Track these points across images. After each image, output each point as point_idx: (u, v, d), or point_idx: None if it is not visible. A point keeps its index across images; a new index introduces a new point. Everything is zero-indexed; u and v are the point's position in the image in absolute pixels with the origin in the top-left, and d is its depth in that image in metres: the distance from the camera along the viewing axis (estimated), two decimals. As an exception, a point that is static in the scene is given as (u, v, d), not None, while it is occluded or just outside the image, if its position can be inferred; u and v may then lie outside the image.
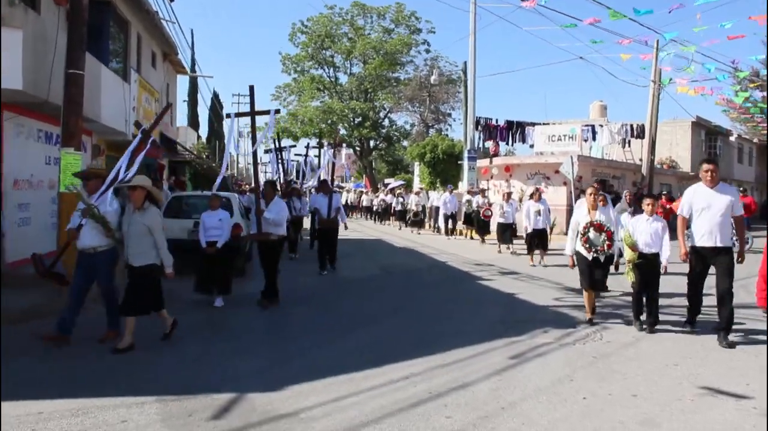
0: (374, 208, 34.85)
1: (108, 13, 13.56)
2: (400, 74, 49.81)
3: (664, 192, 24.73)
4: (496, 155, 29.26)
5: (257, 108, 10.27)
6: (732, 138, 43.49)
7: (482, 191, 21.86)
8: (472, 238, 22.09)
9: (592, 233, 8.07)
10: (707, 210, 7.45)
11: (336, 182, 34.91)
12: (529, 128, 29.14)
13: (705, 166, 7.62)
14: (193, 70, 32.28)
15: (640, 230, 7.91)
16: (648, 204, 8.01)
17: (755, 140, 47.44)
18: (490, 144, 30.18)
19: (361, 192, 42.23)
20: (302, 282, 11.88)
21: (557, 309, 9.42)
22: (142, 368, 6.14)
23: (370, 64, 47.16)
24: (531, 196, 15.77)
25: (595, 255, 8.06)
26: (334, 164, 17.77)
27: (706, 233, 7.45)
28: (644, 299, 8.05)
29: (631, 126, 28.63)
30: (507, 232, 17.44)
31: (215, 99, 53.82)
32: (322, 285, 11.70)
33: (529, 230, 15.05)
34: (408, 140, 49.42)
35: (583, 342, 7.29)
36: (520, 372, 6.12)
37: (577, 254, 8.32)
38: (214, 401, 5.19)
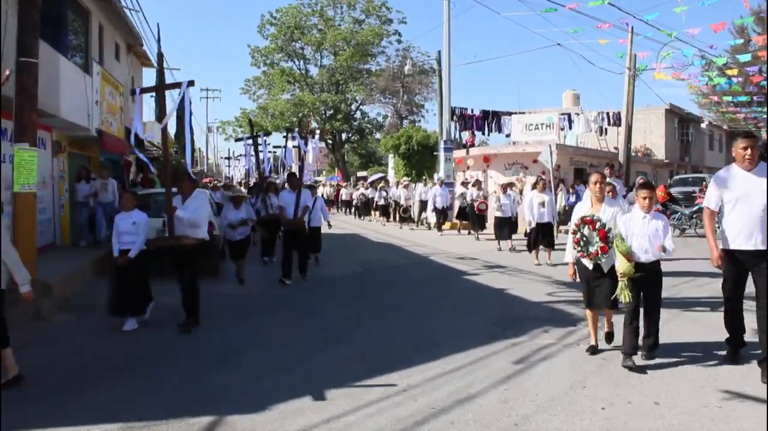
0: (354, 202, 32.67)
1: (65, 1, 12.70)
2: (372, 66, 49.21)
3: (671, 182, 24.60)
4: (472, 145, 28.81)
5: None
6: (703, 125, 43.72)
7: (477, 183, 20.30)
8: (468, 233, 20.34)
9: (586, 231, 6.21)
10: (744, 201, 5.62)
11: (308, 176, 31.88)
12: (505, 117, 28.70)
13: (741, 141, 5.69)
14: (160, 63, 31.33)
15: (636, 231, 5.88)
16: (644, 197, 5.93)
17: (725, 127, 47.76)
18: (465, 135, 29.74)
19: (339, 185, 40.50)
20: (278, 285, 11.19)
21: (553, 306, 8.93)
22: (105, 393, 5.48)
23: (341, 56, 46.42)
24: (534, 186, 14.37)
25: (596, 262, 6.21)
26: (304, 156, 15.60)
27: (744, 231, 5.63)
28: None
29: (608, 114, 28.37)
30: (505, 227, 16.35)
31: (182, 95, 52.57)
32: (300, 288, 11.02)
33: (533, 225, 13.49)
34: (381, 132, 48.83)
35: (587, 343, 6.78)
36: (528, 379, 5.59)
37: (578, 262, 6.52)
38: (190, 427, 4.58)
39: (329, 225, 14.03)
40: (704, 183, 22.11)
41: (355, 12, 48.10)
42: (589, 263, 6.28)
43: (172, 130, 55.24)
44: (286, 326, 8.07)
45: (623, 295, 5.83)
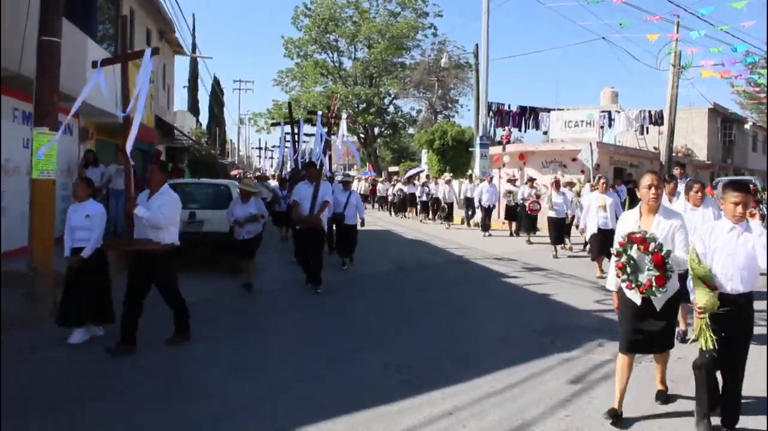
0: (390, 198, 30.46)
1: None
2: (406, 59, 48.50)
3: (712, 183, 23.58)
4: (508, 142, 28.01)
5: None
6: (747, 126, 42.26)
7: (530, 181, 18.33)
8: (517, 234, 18.84)
9: (635, 253, 4.43)
10: None
11: (338, 170, 29.70)
12: (543, 113, 27.88)
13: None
14: (193, 52, 31.01)
15: (721, 247, 4.27)
16: (735, 203, 4.21)
17: (768, 128, 46.18)
18: (500, 131, 28.98)
19: (374, 180, 37.30)
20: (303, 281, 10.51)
21: (604, 315, 8.21)
22: (101, 413, 4.96)
23: (375, 48, 45.81)
24: (595, 184, 13.19)
25: (645, 295, 4.43)
26: (328, 143, 13.82)
27: None
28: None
29: (649, 112, 27.36)
30: (560, 229, 14.69)
31: (216, 85, 52.51)
32: (329, 285, 10.49)
33: (593, 231, 11.42)
34: (414, 127, 48.13)
35: (649, 359, 6.09)
36: (589, 403, 4.94)
37: (621, 292, 4.71)
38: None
39: (362, 223, 12.63)
40: (752, 186, 20.99)
41: (390, 4, 47.50)
42: (636, 297, 4.49)
43: (204, 119, 55.40)
44: (313, 328, 7.51)
45: (703, 339, 4.18)
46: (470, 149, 28.28)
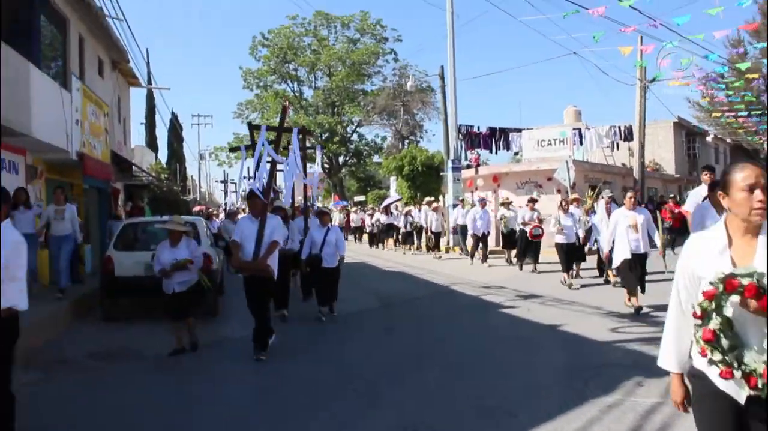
0: (368, 229, 28.68)
1: (36, 5, 11.17)
2: (368, 86, 47.95)
3: (671, 196, 23.19)
4: (477, 165, 27.36)
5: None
6: (709, 139, 42.59)
7: (532, 201, 16.28)
8: (511, 262, 17.17)
9: (732, 312, 2.37)
10: None
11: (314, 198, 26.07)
12: (513, 134, 27.35)
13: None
14: (149, 83, 29.79)
15: None
16: None
17: (728, 140, 46.66)
18: (469, 154, 28.31)
19: (347, 211, 35.07)
20: (285, 328, 9.48)
21: (629, 346, 7.33)
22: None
23: (336, 76, 45.13)
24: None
25: (758, 392, 2.33)
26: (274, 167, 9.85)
27: None
28: None
29: (619, 128, 27.02)
30: (571, 255, 12.97)
31: (174, 120, 51.22)
32: (312, 328, 9.42)
33: (625, 257, 9.31)
34: (380, 154, 47.37)
35: (705, 401, 5.22)
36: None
37: (697, 377, 2.64)
38: None
39: (341, 260, 10.04)
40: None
41: (349, 31, 47.01)
42: (737, 391, 2.43)
43: (163, 156, 53.98)
44: (301, 378, 6.46)
45: None
46: (441, 174, 27.55)
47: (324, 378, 6.43)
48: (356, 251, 24.63)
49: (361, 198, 46.11)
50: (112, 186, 19.65)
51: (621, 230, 9.43)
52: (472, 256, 17.62)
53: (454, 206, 21.81)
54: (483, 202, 18.11)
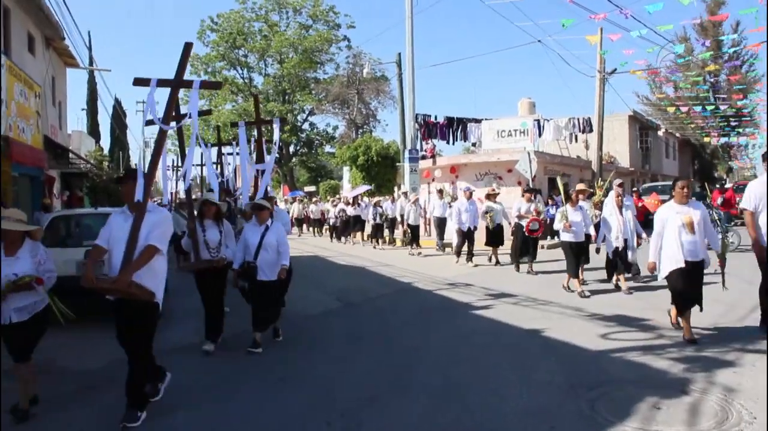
0: (331, 221, 26.00)
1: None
2: (320, 74, 46.68)
3: (634, 189, 22.82)
4: (432, 156, 26.58)
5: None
6: (660, 133, 42.92)
7: (530, 192, 14.53)
8: (498, 262, 15.26)
9: None
10: None
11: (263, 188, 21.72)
12: (471, 124, 26.64)
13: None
14: (90, 65, 27.96)
15: None
16: None
17: (677, 135, 47.19)
18: (425, 145, 27.50)
19: (301, 200, 32.93)
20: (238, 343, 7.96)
21: (627, 356, 6.55)
22: None
23: (287, 63, 43.71)
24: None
25: None
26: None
27: None
28: None
29: (578, 120, 26.59)
30: (580, 256, 10.89)
31: (117, 106, 49.04)
32: (265, 342, 8.42)
33: (678, 266, 7.00)
34: (332, 144, 46.20)
35: (739, 429, 4.47)
36: None
37: None
38: None
39: (284, 275, 7.35)
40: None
41: (301, 17, 45.65)
42: None
43: (105, 143, 51.74)
44: (262, 411, 5.45)
45: None
46: (396, 164, 26.71)
47: (290, 409, 5.44)
48: (316, 245, 23.39)
49: (311, 188, 44.94)
50: (46, 174, 18.14)
51: (671, 231, 7.13)
52: (459, 254, 15.61)
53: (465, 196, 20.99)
54: (469, 192, 15.92)
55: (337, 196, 30.33)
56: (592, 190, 12.98)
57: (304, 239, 27.36)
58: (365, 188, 25.94)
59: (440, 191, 19.43)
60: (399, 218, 21.13)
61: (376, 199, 23.10)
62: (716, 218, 17.27)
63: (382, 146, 29.93)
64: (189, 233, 7.57)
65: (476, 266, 14.87)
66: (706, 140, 39.96)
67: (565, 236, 10.89)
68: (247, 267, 7.24)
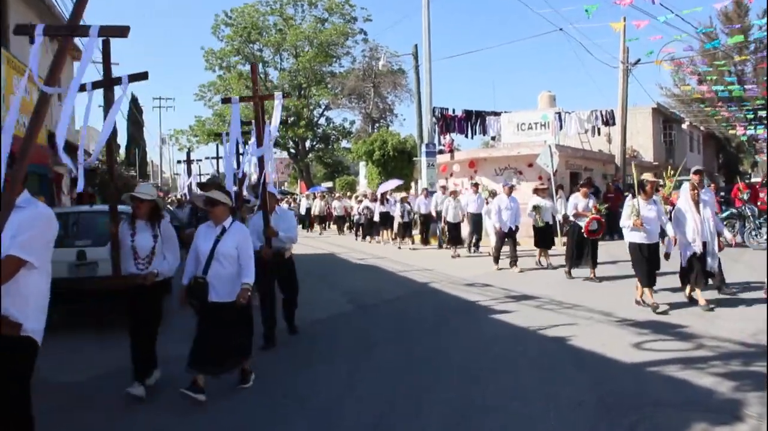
0: (355, 218, 24.44)
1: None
2: (336, 68, 46.07)
3: (661, 184, 21.98)
4: (451, 150, 25.88)
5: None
6: (684, 126, 41.86)
7: (586, 184, 12.12)
8: (549, 265, 13.70)
9: None
10: None
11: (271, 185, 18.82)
12: (490, 117, 25.90)
13: None
14: (107, 66, 27.23)
15: None
16: None
17: (702, 128, 46.06)
18: (443, 139, 26.80)
19: (323, 196, 30.96)
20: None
21: (666, 371, 5.87)
22: None
23: (302, 57, 43.14)
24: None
25: None
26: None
27: None
28: None
29: (601, 113, 25.77)
30: (654, 262, 8.90)
31: (133, 104, 48.88)
32: (267, 351, 7.84)
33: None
34: (348, 139, 45.58)
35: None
36: None
37: None
38: None
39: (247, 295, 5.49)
40: (713, 185, 19.21)
41: (317, 10, 45.02)
42: None
43: (122, 140, 51.61)
44: (263, 426, 4.87)
45: None
46: (414, 159, 26.04)
47: (281, 426, 4.85)
48: (336, 243, 22.39)
49: (329, 184, 44.40)
50: (53, 171, 17.68)
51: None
52: (497, 258, 13.71)
53: (432, 192, 20.21)
54: (509, 187, 13.90)
55: (363, 193, 28.18)
56: (660, 181, 11.49)
57: (326, 237, 26.26)
58: (396, 182, 23.81)
59: (476, 185, 17.66)
60: (434, 214, 19.33)
61: (402, 195, 21.03)
62: (748, 214, 16.47)
63: (398, 141, 29.28)
64: (111, 241, 5.76)
65: (522, 271, 13.08)
66: (731, 132, 38.92)
67: (635, 237, 8.84)
68: (194, 284, 5.45)
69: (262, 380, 6.02)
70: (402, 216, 19.71)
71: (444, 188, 19.66)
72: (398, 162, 28.56)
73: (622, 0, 14.70)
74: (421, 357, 6.81)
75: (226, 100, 8.46)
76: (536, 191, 14.06)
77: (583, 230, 11.35)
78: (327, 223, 29.28)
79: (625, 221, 8.94)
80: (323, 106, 46.60)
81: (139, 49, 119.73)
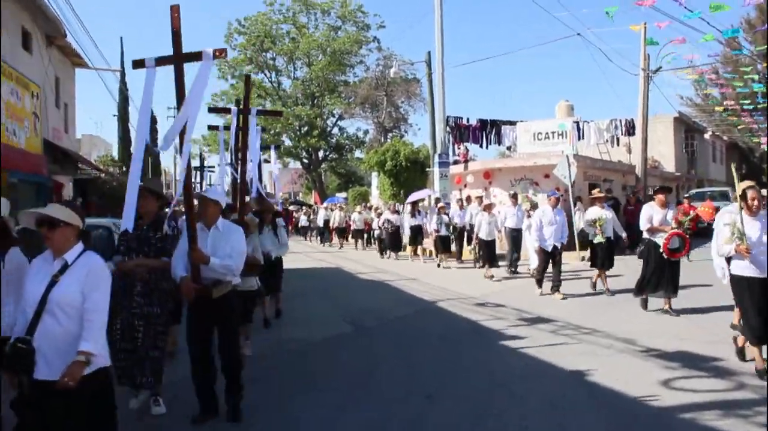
0: (376, 232, 22.68)
1: None
2: (350, 77, 45.49)
3: (686, 196, 21.09)
4: (466, 161, 25.03)
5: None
6: (707, 136, 40.71)
7: (663, 192, 9.50)
8: (607, 290, 11.45)
9: None
10: None
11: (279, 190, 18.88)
12: (505, 127, 25.05)
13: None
14: (122, 74, 26.82)
15: None
16: None
17: (724, 137, 44.87)
18: (457, 149, 25.97)
19: (342, 207, 29.45)
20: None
21: (701, 419, 4.97)
22: None
23: (316, 65, 42.60)
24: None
25: None
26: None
27: None
28: None
29: (620, 122, 24.82)
30: (765, 301, 6.00)
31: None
32: (251, 366, 7.06)
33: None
34: (362, 149, 44.90)
35: None
36: None
37: None
38: None
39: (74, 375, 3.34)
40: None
41: (330, 18, 44.51)
42: None
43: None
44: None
45: None
46: (426, 170, 25.24)
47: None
48: (351, 258, 20.79)
49: (343, 195, 43.69)
50: (53, 180, 17.15)
51: None
52: (540, 281, 11.71)
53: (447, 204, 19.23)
54: (555, 198, 11.78)
55: (384, 205, 26.47)
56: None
57: (344, 252, 24.52)
58: (427, 191, 21.78)
59: (514, 196, 15.74)
60: (468, 228, 17.53)
61: (440, 204, 18.38)
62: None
63: (411, 151, 28.45)
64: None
65: (565, 298, 11.10)
66: (755, 141, 37.77)
67: (741, 269, 6.17)
68: (13, 351, 3.42)
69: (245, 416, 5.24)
70: (438, 228, 17.30)
71: (480, 199, 17.89)
72: (411, 173, 27.73)
73: (643, 1, 13.83)
74: (419, 393, 5.96)
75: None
76: (595, 200, 11.91)
77: (661, 249, 9.07)
78: (346, 236, 27.95)
79: (725, 248, 6.23)
80: (336, 116, 46.03)
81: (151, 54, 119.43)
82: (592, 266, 11.93)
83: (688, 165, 37.53)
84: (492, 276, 14.28)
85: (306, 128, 43.37)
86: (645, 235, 9.43)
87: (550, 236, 11.34)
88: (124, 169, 26.18)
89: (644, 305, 9.72)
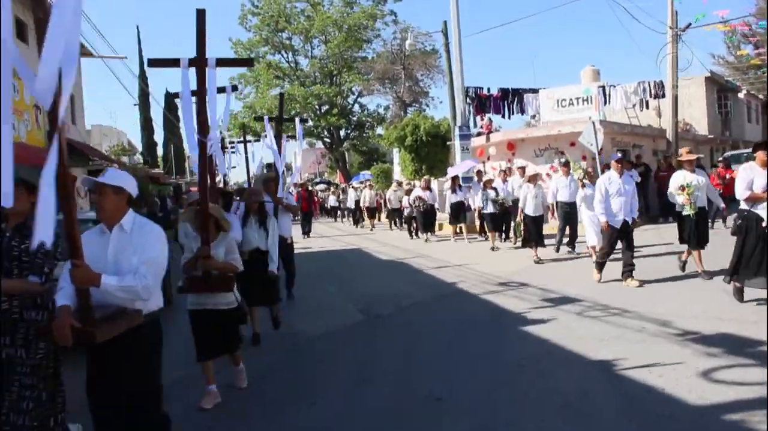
0: (406, 211, 20.59)
1: None
2: (367, 52, 44.58)
3: (720, 159, 20.03)
4: (489, 132, 24.12)
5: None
6: (741, 95, 39.05)
7: (762, 147, 7.53)
8: (704, 273, 9.43)
9: None
10: None
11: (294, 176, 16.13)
12: (528, 95, 24.09)
13: None
14: (141, 63, 26.37)
15: None
16: None
17: (760, 96, 43.08)
18: (479, 121, 25.05)
19: (371, 185, 27.80)
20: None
21: (747, 419, 4.28)
22: None
23: (332, 42, 41.77)
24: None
25: None
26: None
27: None
28: None
29: (649, 84, 23.69)
30: None
31: (168, 97, 48.32)
32: (261, 356, 6.50)
33: None
34: (383, 125, 44.10)
35: None
36: None
37: None
38: None
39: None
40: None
41: (345, -7, 43.58)
42: None
43: (159, 137, 51.26)
44: None
45: None
46: (448, 143, 24.44)
47: None
48: (386, 242, 19.07)
49: (368, 173, 43.00)
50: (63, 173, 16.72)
51: None
52: (602, 265, 9.82)
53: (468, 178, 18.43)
54: (624, 162, 10.09)
55: (414, 181, 24.66)
56: None
57: (374, 234, 23.11)
58: (471, 163, 19.56)
59: (566, 165, 13.53)
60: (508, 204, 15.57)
61: (486, 178, 16.34)
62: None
63: (431, 125, 27.57)
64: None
65: (641, 285, 9.26)
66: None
67: None
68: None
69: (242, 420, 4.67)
70: (484, 205, 15.35)
71: (522, 169, 16.50)
72: (432, 147, 26.90)
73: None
74: (428, 395, 5.32)
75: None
76: (683, 163, 9.58)
77: (765, 223, 7.13)
78: (378, 215, 26.74)
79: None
80: (356, 93, 45.27)
81: (167, 41, 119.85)
82: (681, 242, 9.85)
83: (722, 126, 36.03)
84: (539, 259, 12.47)
85: (326, 107, 42.69)
86: (742, 205, 7.53)
87: (619, 208, 9.37)
88: (146, 157, 25.96)
89: (739, 295, 7.65)
